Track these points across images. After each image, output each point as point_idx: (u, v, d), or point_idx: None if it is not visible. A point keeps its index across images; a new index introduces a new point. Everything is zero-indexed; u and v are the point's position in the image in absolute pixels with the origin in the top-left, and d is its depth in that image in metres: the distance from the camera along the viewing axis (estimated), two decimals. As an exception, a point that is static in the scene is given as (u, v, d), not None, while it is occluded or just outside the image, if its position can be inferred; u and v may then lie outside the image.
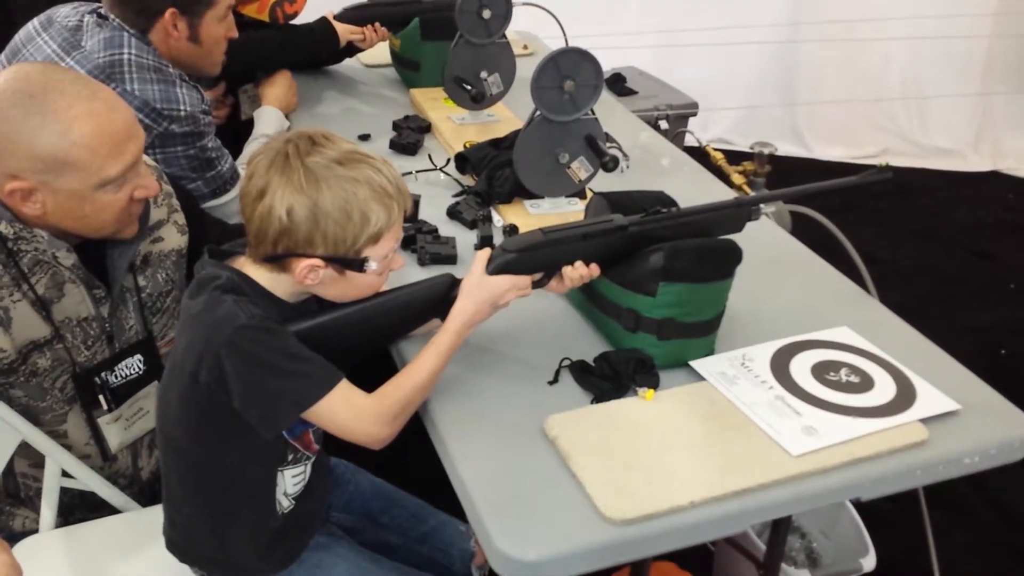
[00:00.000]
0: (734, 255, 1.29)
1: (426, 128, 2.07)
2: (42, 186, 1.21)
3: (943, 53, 3.98)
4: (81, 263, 1.31)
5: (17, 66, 1.25)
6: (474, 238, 1.61)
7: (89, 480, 1.41)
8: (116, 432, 1.43)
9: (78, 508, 1.47)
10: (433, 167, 1.88)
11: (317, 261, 1.13)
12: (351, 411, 1.13)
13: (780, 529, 1.53)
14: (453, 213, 1.70)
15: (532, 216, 1.68)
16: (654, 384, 1.25)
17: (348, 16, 2.31)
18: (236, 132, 2.10)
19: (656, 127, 2.91)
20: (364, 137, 2.04)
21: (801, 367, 1.30)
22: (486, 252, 1.25)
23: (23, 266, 1.27)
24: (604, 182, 1.70)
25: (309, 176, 1.10)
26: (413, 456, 1.40)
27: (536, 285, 1.28)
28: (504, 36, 2.03)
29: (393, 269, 1.22)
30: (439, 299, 1.25)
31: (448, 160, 1.90)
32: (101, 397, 1.39)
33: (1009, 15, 3.96)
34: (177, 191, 1.53)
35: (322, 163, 1.11)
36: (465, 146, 1.89)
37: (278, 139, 1.15)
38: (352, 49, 2.35)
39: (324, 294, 1.20)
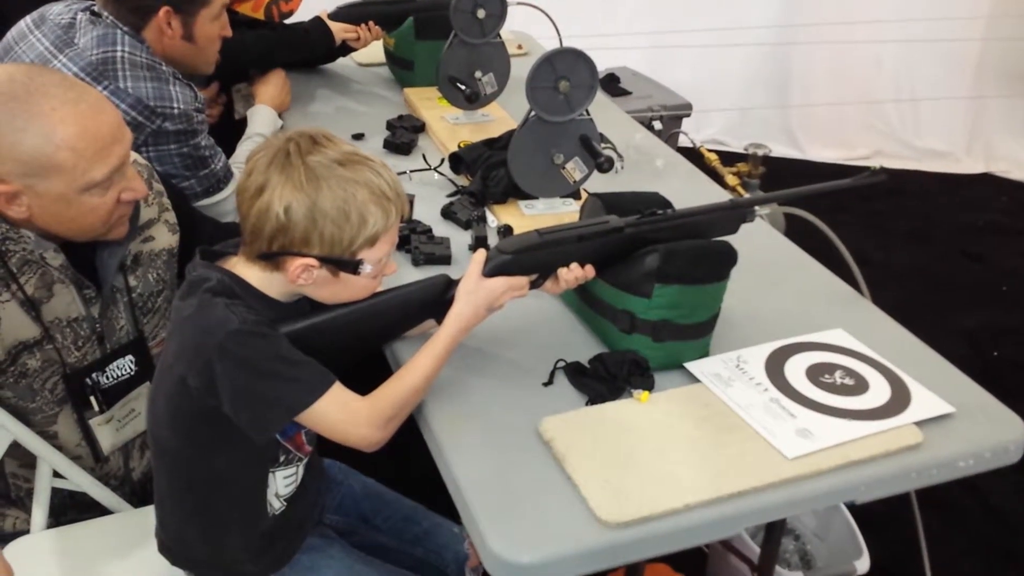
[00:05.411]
0: (729, 257, 1.29)
1: (420, 128, 2.06)
2: (27, 189, 1.20)
3: (936, 55, 3.98)
4: (70, 263, 1.30)
5: (1, 67, 1.23)
6: (468, 238, 1.60)
7: (81, 481, 1.40)
8: (108, 433, 1.42)
9: (69, 509, 1.46)
10: (427, 167, 1.87)
11: (312, 261, 1.12)
12: (344, 414, 1.12)
13: (774, 531, 1.53)
14: (447, 213, 1.70)
15: (526, 217, 1.68)
16: (649, 386, 1.25)
17: (342, 15, 2.30)
18: (230, 131, 2.09)
19: (650, 127, 2.91)
20: (358, 136, 2.04)
21: (796, 369, 1.30)
22: (482, 254, 1.24)
23: (11, 266, 1.26)
24: (599, 183, 1.70)
25: (309, 175, 1.09)
26: (408, 458, 1.39)
27: (531, 286, 1.27)
28: (499, 36, 2.03)
29: (386, 274, 1.21)
30: (435, 300, 1.25)
31: (442, 160, 1.89)
32: (92, 398, 1.38)
33: (1001, 18, 3.97)
34: (168, 190, 1.52)
35: (323, 163, 1.10)
36: (459, 146, 1.89)
37: (279, 137, 1.14)
38: (346, 48, 2.34)
39: (316, 295, 1.19)
